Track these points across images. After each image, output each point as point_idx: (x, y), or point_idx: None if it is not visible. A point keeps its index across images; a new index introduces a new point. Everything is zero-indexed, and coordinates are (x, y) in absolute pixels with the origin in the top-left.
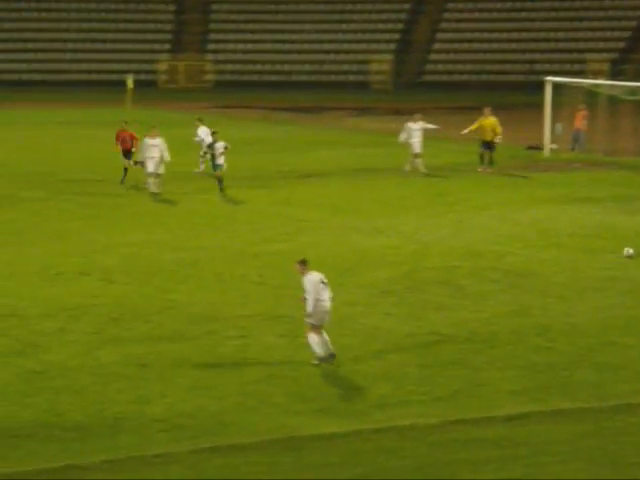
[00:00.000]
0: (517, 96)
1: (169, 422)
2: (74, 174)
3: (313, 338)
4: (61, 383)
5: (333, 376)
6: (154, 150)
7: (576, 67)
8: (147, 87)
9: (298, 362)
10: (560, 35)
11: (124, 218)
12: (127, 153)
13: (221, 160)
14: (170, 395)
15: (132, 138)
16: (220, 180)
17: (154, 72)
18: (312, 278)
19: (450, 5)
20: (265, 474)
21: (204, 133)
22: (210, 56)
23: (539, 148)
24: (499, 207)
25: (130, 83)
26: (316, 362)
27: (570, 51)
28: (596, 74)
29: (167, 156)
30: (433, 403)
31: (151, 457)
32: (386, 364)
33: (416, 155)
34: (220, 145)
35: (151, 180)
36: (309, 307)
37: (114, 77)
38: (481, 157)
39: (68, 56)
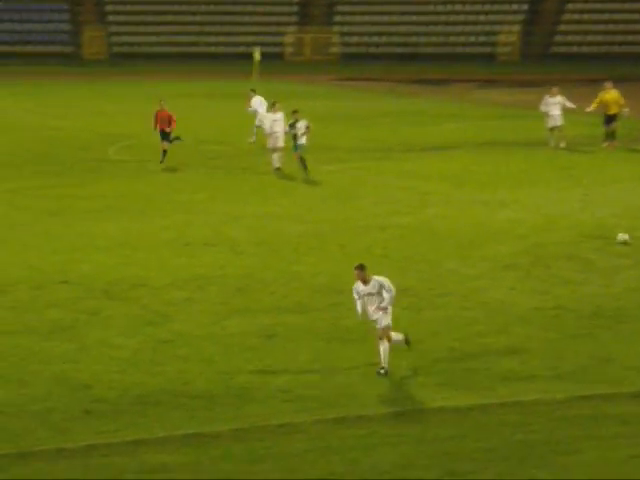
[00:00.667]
0: None
1: (293, 393)
2: (202, 146)
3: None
4: (189, 352)
5: (459, 350)
6: (276, 125)
7: None
8: (273, 59)
9: (423, 334)
10: None
11: (251, 190)
12: (164, 134)
13: (303, 140)
14: (295, 366)
15: (170, 119)
16: (302, 160)
17: (281, 44)
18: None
19: None
20: (390, 445)
21: (257, 104)
22: (336, 28)
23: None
24: (626, 181)
25: (257, 55)
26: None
27: None
28: None
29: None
30: (558, 378)
31: (275, 427)
32: (511, 338)
33: (552, 128)
34: (302, 125)
35: (275, 155)
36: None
37: (241, 49)
38: (606, 132)
39: (197, 29)
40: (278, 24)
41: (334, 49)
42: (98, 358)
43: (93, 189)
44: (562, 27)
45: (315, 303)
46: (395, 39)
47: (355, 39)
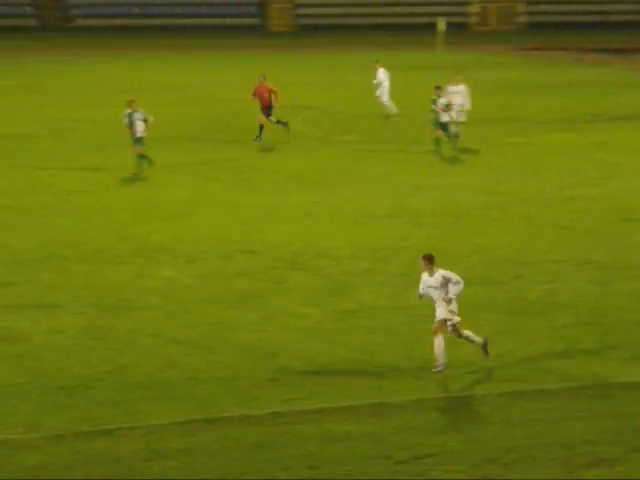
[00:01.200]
0: None
1: (476, 365)
2: (383, 118)
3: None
4: (372, 323)
5: None
6: (457, 97)
7: None
8: (458, 29)
9: (609, 308)
10: None
11: (432, 161)
12: (266, 109)
13: (446, 117)
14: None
15: (271, 93)
16: (451, 136)
17: (465, 14)
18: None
19: None
20: (574, 420)
21: (382, 76)
22: None
23: None
24: None
25: (441, 26)
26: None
27: None
28: None
29: (468, 104)
30: None
31: (457, 398)
32: None
33: None
34: (444, 101)
35: (452, 128)
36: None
37: (425, 20)
38: None
39: (382, 0)
40: None
41: (520, 18)
42: (283, 327)
43: (278, 161)
44: None
45: (498, 275)
46: (583, 7)
47: (542, 7)
